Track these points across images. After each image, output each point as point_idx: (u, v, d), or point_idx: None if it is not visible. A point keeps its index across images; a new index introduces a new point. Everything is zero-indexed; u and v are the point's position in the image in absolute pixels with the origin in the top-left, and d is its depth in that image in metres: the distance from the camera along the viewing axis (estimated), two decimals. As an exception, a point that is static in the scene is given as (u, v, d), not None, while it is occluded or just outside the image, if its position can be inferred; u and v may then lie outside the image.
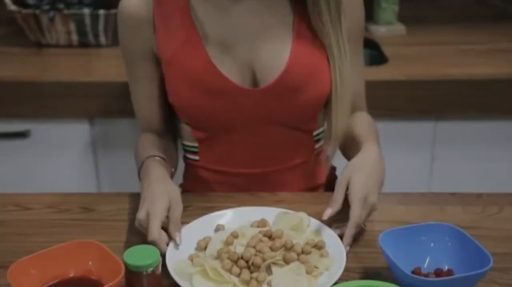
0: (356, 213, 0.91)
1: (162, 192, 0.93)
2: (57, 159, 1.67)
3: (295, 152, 1.13)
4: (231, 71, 1.04)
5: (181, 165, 1.21)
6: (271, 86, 1.03)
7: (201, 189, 1.15)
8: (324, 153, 1.14)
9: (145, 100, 1.12)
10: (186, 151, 1.17)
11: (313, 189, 1.18)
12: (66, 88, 1.57)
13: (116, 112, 1.58)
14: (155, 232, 0.88)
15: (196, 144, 1.12)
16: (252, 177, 1.12)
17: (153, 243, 0.87)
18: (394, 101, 1.59)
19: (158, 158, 1.04)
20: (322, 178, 1.19)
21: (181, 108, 1.08)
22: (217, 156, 1.12)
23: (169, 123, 1.16)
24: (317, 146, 1.15)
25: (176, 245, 0.89)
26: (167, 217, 0.92)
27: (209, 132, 1.09)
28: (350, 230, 0.91)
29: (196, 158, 1.14)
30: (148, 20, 1.04)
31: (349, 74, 1.05)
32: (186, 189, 1.20)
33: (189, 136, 1.13)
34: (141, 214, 0.91)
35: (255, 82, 1.05)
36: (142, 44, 1.06)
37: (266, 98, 1.04)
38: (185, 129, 1.12)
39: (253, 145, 1.10)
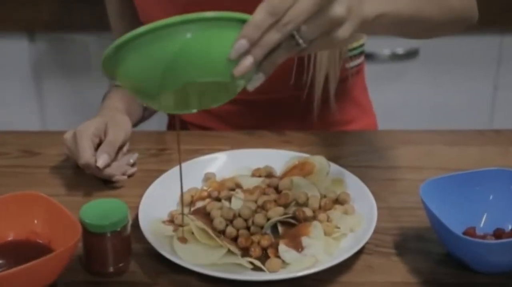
0: None
1: (99, 115, 1.02)
2: (-13, 86, 1.66)
3: (298, 75, 1.15)
4: None
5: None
6: None
7: (199, 120, 1.23)
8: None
9: (117, 18, 1.25)
10: None
11: None
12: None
13: (64, 26, 1.59)
14: (87, 151, 0.94)
15: None
16: (258, 104, 1.16)
17: (86, 167, 0.94)
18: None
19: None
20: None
21: None
22: None
23: None
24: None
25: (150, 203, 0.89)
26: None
27: None
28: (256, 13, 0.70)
29: None
30: None
31: None
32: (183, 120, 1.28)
33: None
34: (67, 133, 0.98)
35: None
36: None
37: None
38: None
39: None
